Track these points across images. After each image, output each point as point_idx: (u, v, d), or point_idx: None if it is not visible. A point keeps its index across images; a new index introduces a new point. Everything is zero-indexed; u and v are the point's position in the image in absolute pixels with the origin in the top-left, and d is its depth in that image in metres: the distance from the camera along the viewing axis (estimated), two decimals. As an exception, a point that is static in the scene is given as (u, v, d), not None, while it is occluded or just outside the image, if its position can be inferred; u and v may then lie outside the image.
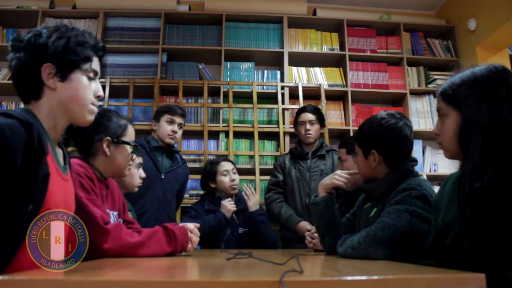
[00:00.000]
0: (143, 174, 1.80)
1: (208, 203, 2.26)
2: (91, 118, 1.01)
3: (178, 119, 2.37)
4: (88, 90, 0.98)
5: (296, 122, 2.61)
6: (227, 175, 2.25)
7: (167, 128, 2.33)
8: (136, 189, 1.78)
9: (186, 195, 2.94)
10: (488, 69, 0.96)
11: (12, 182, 0.78)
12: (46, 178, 0.86)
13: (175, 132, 2.35)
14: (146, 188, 2.15)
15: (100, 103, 2.93)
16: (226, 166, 2.29)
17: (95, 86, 1.01)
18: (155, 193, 2.24)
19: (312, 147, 2.54)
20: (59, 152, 1.01)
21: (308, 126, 2.50)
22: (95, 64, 1.01)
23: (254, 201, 2.22)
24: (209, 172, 2.31)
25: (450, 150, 1.01)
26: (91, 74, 0.99)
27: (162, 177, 2.29)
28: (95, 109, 1.02)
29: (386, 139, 1.32)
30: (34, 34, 0.94)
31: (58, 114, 0.95)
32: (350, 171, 1.49)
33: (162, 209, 2.25)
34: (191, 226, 1.37)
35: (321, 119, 2.57)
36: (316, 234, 1.63)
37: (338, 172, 1.49)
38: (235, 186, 2.26)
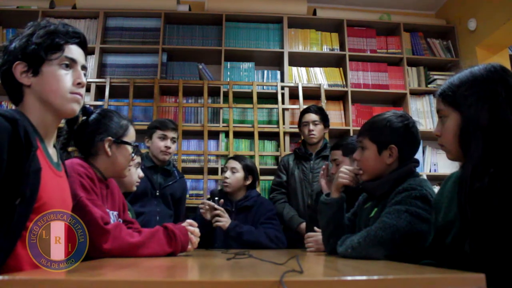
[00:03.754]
0: (141, 174, 1.80)
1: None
2: (73, 107, 0.98)
3: (171, 134, 2.30)
4: (63, 79, 0.96)
5: (300, 123, 2.61)
6: (225, 171, 2.24)
7: (160, 144, 2.27)
8: (135, 188, 1.78)
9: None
10: (487, 68, 0.96)
11: (2, 177, 0.79)
12: (38, 172, 0.86)
13: (168, 147, 2.28)
14: (143, 205, 2.16)
15: (100, 103, 2.99)
16: (228, 163, 2.27)
17: (74, 74, 0.98)
18: (153, 208, 2.22)
19: (315, 147, 2.54)
20: (52, 150, 1.01)
21: (311, 127, 2.50)
22: (72, 52, 0.99)
23: (225, 219, 2.01)
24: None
25: (452, 151, 1.00)
26: (66, 63, 0.97)
27: (157, 193, 2.26)
28: (77, 97, 0.98)
29: (405, 137, 1.32)
30: (11, 39, 0.96)
31: (41, 110, 0.95)
32: (354, 168, 1.46)
33: (161, 223, 2.24)
34: (192, 227, 1.37)
35: (325, 120, 2.56)
36: (314, 238, 1.63)
37: (343, 169, 1.45)
38: (225, 184, 2.20)
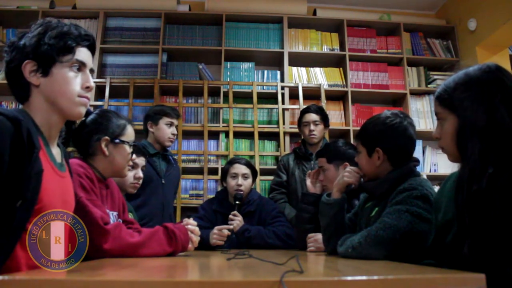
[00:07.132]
0: (138, 174, 1.78)
1: (217, 203, 2.19)
2: (81, 110, 0.98)
3: (176, 121, 2.39)
4: (73, 82, 0.96)
5: (300, 123, 2.60)
6: (235, 178, 2.14)
7: (168, 131, 2.33)
8: (132, 190, 1.76)
9: (185, 195, 2.95)
10: (482, 69, 0.95)
11: (3, 178, 0.78)
12: (39, 174, 0.85)
13: (175, 135, 2.37)
14: (150, 195, 2.16)
15: (100, 103, 2.99)
16: (236, 168, 2.17)
17: (83, 77, 0.98)
18: (159, 199, 2.23)
19: (316, 147, 2.53)
20: (56, 150, 1.00)
21: (312, 127, 2.50)
22: (82, 54, 0.98)
23: (236, 222, 2.02)
24: (223, 170, 2.28)
25: (452, 154, 1.00)
26: (77, 65, 0.97)
27: (163, 181, 2.27)
28: (85, 101, 0.98)
29: (391, 138, 1.33)
30: (19, 35, 0.95)
31: (47, 110, 0.94)
32: (358, 169, 1.49)
33: (166, 214, 2.25)
34: (192, 225, 1.37)
35: (325, 119, 2.56)
36: (314, 238, 1.63)
37: (348, 169, 1.49)
38: (240, 192, 2.10)
